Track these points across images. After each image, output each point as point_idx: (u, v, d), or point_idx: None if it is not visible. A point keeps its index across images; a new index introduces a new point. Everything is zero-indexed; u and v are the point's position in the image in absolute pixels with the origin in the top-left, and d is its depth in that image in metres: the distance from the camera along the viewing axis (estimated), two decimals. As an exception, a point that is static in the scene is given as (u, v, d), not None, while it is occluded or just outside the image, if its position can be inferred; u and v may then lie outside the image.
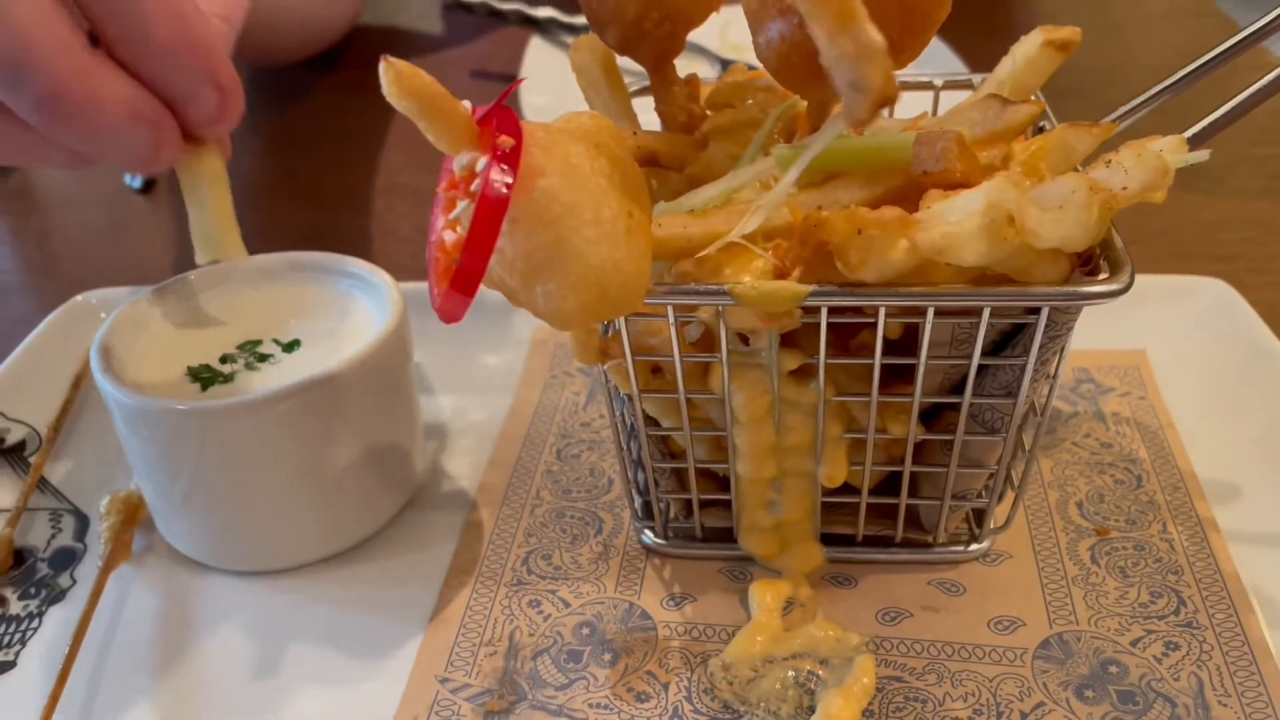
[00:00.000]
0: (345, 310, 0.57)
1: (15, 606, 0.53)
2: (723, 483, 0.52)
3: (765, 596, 0.50)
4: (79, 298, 0.72)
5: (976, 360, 0.43)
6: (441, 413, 0.64)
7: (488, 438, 0.63)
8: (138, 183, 0.98)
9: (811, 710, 0.45)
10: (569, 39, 1.12)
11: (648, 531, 0.54)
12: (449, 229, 0.38)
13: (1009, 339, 0.45)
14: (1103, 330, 0.65)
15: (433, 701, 0.46)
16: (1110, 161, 0.41)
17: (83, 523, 0.58)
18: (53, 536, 0.57)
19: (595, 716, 0.45)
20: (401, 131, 1.07)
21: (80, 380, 0.66)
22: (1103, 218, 0.38)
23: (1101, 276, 0.41)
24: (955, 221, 0.38)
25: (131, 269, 0.87)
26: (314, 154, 1.04)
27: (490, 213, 0.35)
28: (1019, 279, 0.41)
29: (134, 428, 0.50)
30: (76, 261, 0.90)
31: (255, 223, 0.93)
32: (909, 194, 0.42)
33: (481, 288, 0.37)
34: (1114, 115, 0.50)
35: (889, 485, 0.51)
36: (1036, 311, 0.42)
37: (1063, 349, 0.45)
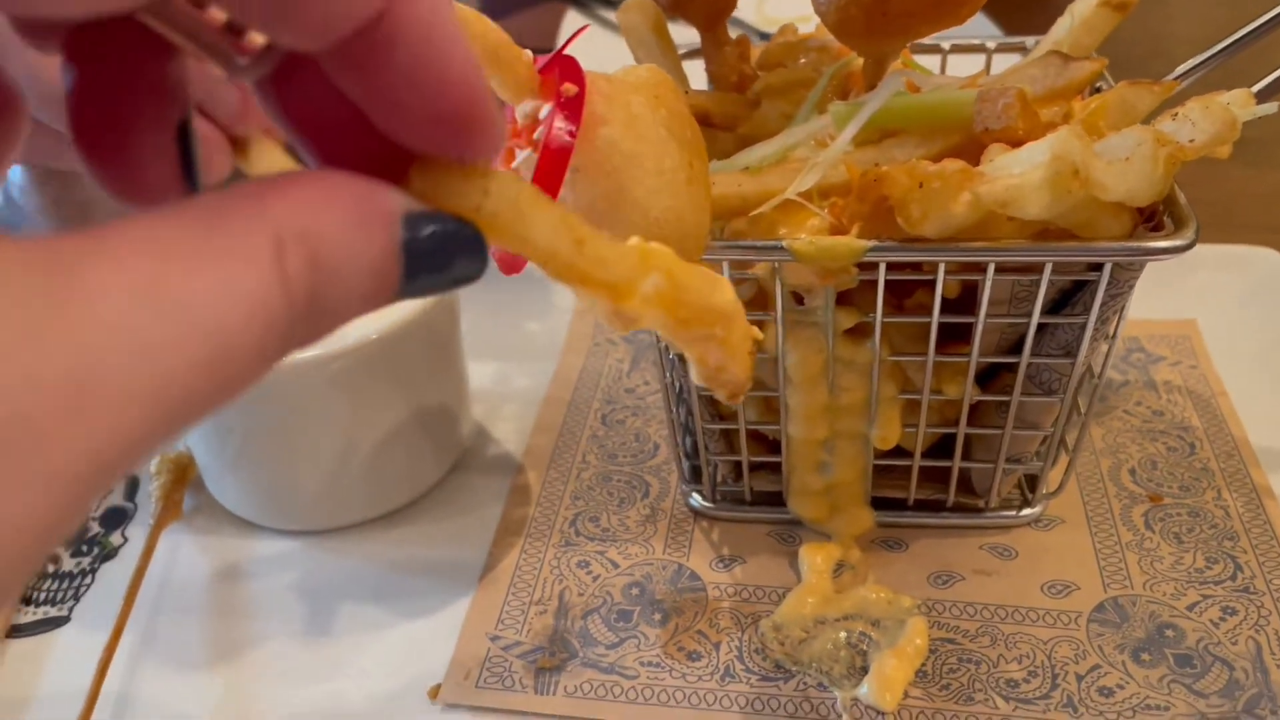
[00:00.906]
0: (393, 273, 0.57)
1: (68, 564, 0.53)
2: (772, 445, 0.52)
3: (816, 559, 0.49)
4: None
5: (1036, 319, 0.43)
6: (486, 378, 0.64)
7: (532, 403, 0.63)
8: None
9: (864, 671, 0.45)
10: (605, 13, 1.12)
11: (695, 495, 0.54)
12: (509, 180, 0.38)
13: (1069, 298, 0.44)
14: (1153, 301, 0.64)
15: (484, 658, 0.46)
16: (1177, 115, 0.40)
17: (132, 482, 0.58)
18: (103, 496, 0.57)
19: (647, 674, 0.45)
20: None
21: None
22: (1169, 171, 0.38)
23: (1164, 233, 0.40)
24: (1019, 173, 0.38)
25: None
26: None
27: (554, 161, 0.35)
28: (1081, 235, 0.40)
29: (187, 386, 0.50)
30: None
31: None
32: (967, 152, 0.42)
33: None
34: (1174, 74, 0.49)
35: (941, 448, 0.50)
36: (1099, 268, 0.41)
37: (1122, 309, 0.44)
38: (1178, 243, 0.39)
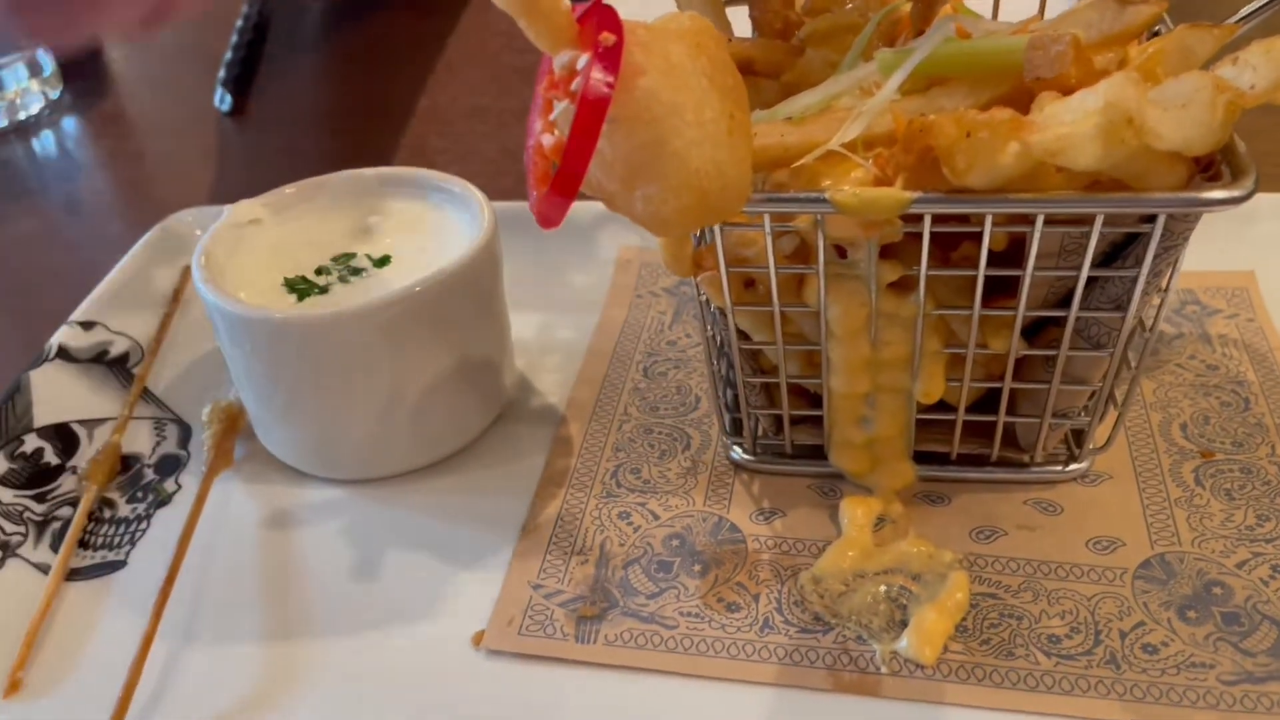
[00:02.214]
0: (436, 225, 0.57)
1: (124, 509, 0.55)
2: (813, 399, 0.52)
3: (856, 512, 0.49)
4: (175, 216, 0.73)
5: (1086, 272, 0.42)
6: (528, 331, 0.65)
7: (574, 355, 0.63)
8: (226, 106, 0.99)
9: (903, 624, 0.45)
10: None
11: (736, 448, 0.54)
12: (546, 132, 0.38)
13: (1120, 250, 0.43)
14: (1209, 252, 0.62)
15: (526, 606, 0.47)
16: (1237, 59, 0.39)
17: (185, 431, 0.59)
18: (157, 444, 0.59)
19: (686, 625, 0.46)
20: (485, 53, 1.06)
21: (179, 294, 0.68)
22: (1228, 118, 0.36)
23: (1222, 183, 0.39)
24: (1071, 122, 0.37)
25: (220, 191, 0.88)
26: (397, 76, 1.04)
27: (592, 112, 0.34)
28: (1134, 185, 0.39)
29: (235, 337, 0.51)
30: (167, 184, 0.92)
31: (339, 145, 0.94)
32: (1017, 101, 0.41)
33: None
34: (1236, 17, 0.47)
35: (985, 403, 0.50)
36: (1151, 220, 0.40)
37: (1176, 261, 0.43)
38: (1235, 193, 0.38)
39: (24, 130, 1.00)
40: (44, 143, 0.99)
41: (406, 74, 1.04)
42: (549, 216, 0.37)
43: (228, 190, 0.90)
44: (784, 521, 0.50)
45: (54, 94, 1.04)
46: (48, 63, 1.04)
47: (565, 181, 0.36)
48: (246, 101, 1.02)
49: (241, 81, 1.03)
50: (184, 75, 1.11)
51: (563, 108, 0.36)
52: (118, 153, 0.97)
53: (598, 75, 0.34)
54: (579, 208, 0.72)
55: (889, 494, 0.50)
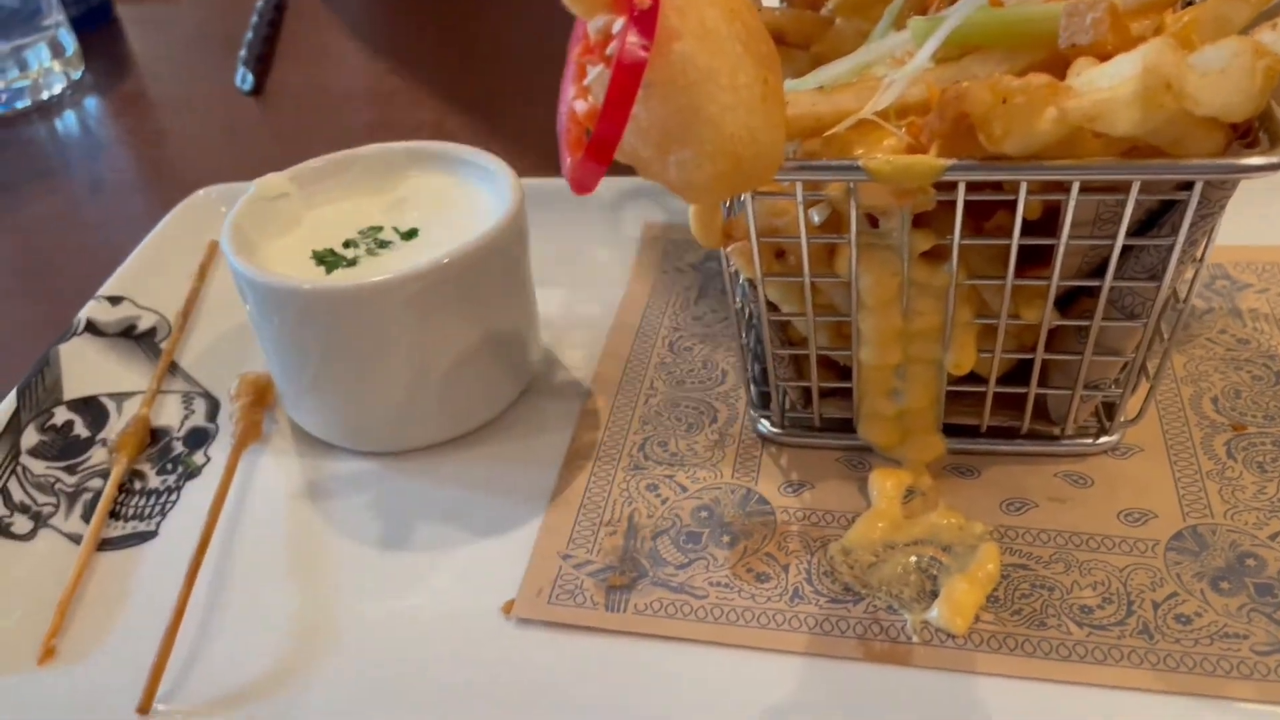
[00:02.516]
0: (463, 199, 0.57)
1: (154, 481, 0.55)
2: (842, 371, 0.52)
3: (886, 484, 0.49)
4: (200, 192, 0.74)
5: (1121, 240, 0.42)
6: (553, 306, 0.65)
7: (600, 330, 0.63)
8: (248, 85, 1.00)
9: (934, 595, 0.45)
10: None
11: (764, 421, 0.54)
12: (580, 98, 0.38)
13: (1155, 219, 0.43)
14: (1240, 226, 0.61)
15: (556, 576, 0.47)
16: (1276, 25, 0.38)
17: (213, 404, 0.60)
18: (185, 417, 0.59)
19: (716, 594, 0.46)
20: (505, 34, 1.06)
21: (205, 270, 0.68)
22: (1266, 84, 0.36)
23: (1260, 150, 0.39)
24: (1108, 87, 0.36)
25: (243, 169, 0.88)
26: (417, 57, 1.04)
27: (627, 77, 0.34)
28: (1171, 152, 0.39)
29: (264, 309, 0.51)
30: (190, 162, 0.92)
31: (360, 125, 0.94)
32: (1052, 69, 0.40)
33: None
34: (1274, -15, 0.47)
35: (1016, 374, 0.49)
36: (1189, 187, 0.40)
37: (1211, 231, 0.43)
38: (1274, 160, 0.38)
39: (46, 110, 1.00)
40: (66, 122, 0.99)
41: (426, 54, 1.04)
42: (583, 183, 0.37)
43: (250, 168, 0.89)
44: (812, 494, 0.50)
45: (75, 74, 1.05)
46: (70, 43, 1.04)
47: (600, 147, 0.35)
48: (267, 81, 1.02)
49: (262, 61, 1.04)
50: (204, 55, 1.11)
51: (597, 72, 0.36)
52: (139, 132, 0.97)
53: (633, 39, 0.34)
54: (602, 185, 0.73)
55: (918, 467, 0.50)
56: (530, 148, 0.86)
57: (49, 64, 1.02)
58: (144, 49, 1.13)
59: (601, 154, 0.36)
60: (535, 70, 0.99)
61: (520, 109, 0.92)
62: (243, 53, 1.03)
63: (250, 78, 1.00)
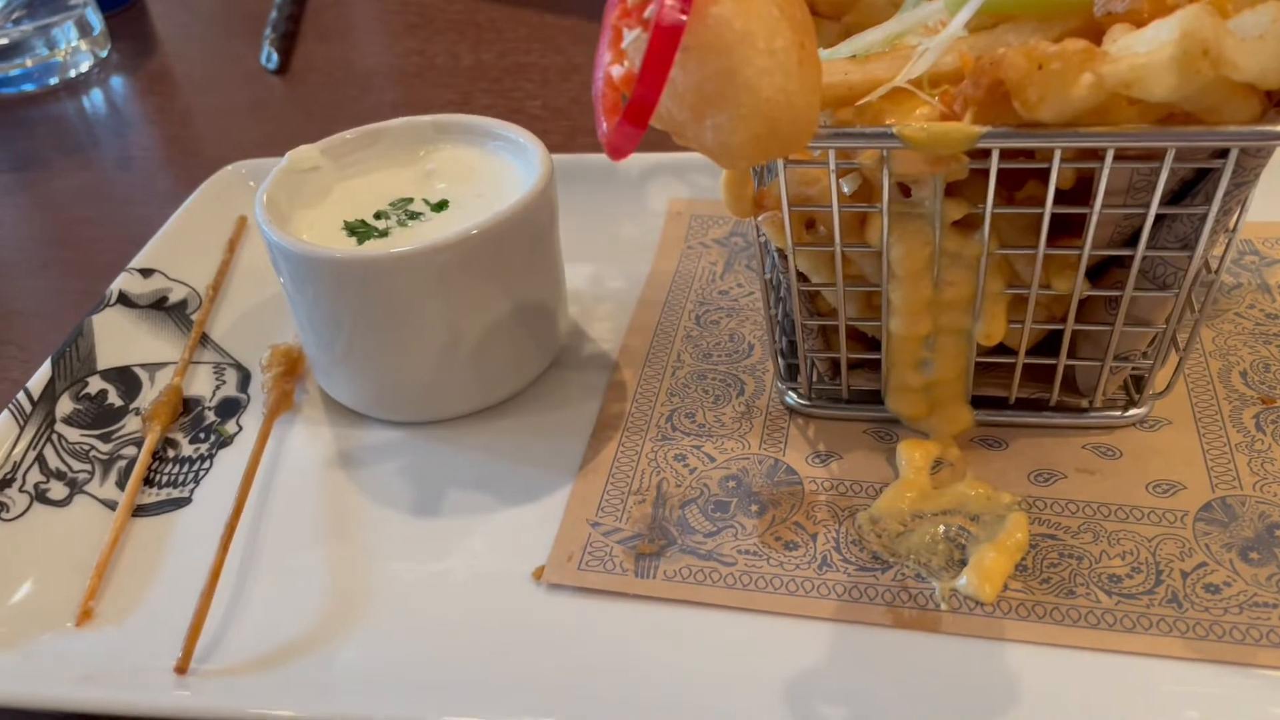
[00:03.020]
0: (493, 172, 0.57)
1: (187, 449, 0.56)
2: (870, 343, 0.52)
3: (914, 455, 0.49)
4: (229, 167, 0.74)
5: (1154, 209, 0.42)
6: (580, 281, 0.65)
7: (626, 304, 0.63)
8: (273, 64, 1.00)
9: (962, 564, 0.45)
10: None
11: (791, 393, 0.54)
12: (616, 62, 0.38)
13: (1189, 188, 0.43)
14: (1270, 202, 0.61)
15: (585, 543, 0.48)
16: (1316, -8, 0.38)
17: (244, 375, 0.60)
18: (217, 387, 0.60)
19: (745, 562, 0.46)
20: (530, 10, 1.06)
21: (235, 244, 0.69)
22: (1306, 50, 0.36)
23: (1297, 117, 0.39)
24: (1146, 52, 0.36)
25: (269, 146, 0.88)
26: (442, 35, 1.04)
27: (665, 39, 0.34)
28: (1207, 119, 0.39)
29: (298, 278, 0.52)
30: (216, 139, 0.93)
31: (385, 103, 0.95)
32: (1086, 39, 0.40)
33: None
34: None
35: (1045, 346, 0.50)
36: (1223, 155, 0.40)
37: (1245, 201, 0.43)
38: (1311, 127, 0.38)
39: (74, 87, 1.01)
40: (94, 100, 1.00)
41: (452, 31, 1.04)
42: (620, 147, 0.37)
43: (276, 146, 0.90)
44: (840, 464, 0.51)
45: (102, 53, 1.06)
46: (97, 22, 1.05)
47: (638, 111, 0.36)
48: (292, 59, 1.02)
49: (287, 39, 1.04)
50: (229, 34, 1.12)
51: (634, 36, 0.36)
52: (166, 109, 0.98)
53: (671, 2, 0.34)
54: (628, 161, 0.73)
55: (946, 438, 0.50)
56: (555, 127, 0.86)
57: (76, 43, 1.03)
58: (169, 28, 1.14)
59: (638, 118, 0.36)
60: (562, 48, 0.99)
61: (544, 89, 0.92)
62: (268, 31, 1.04)
63: (275, 56, 1.00)
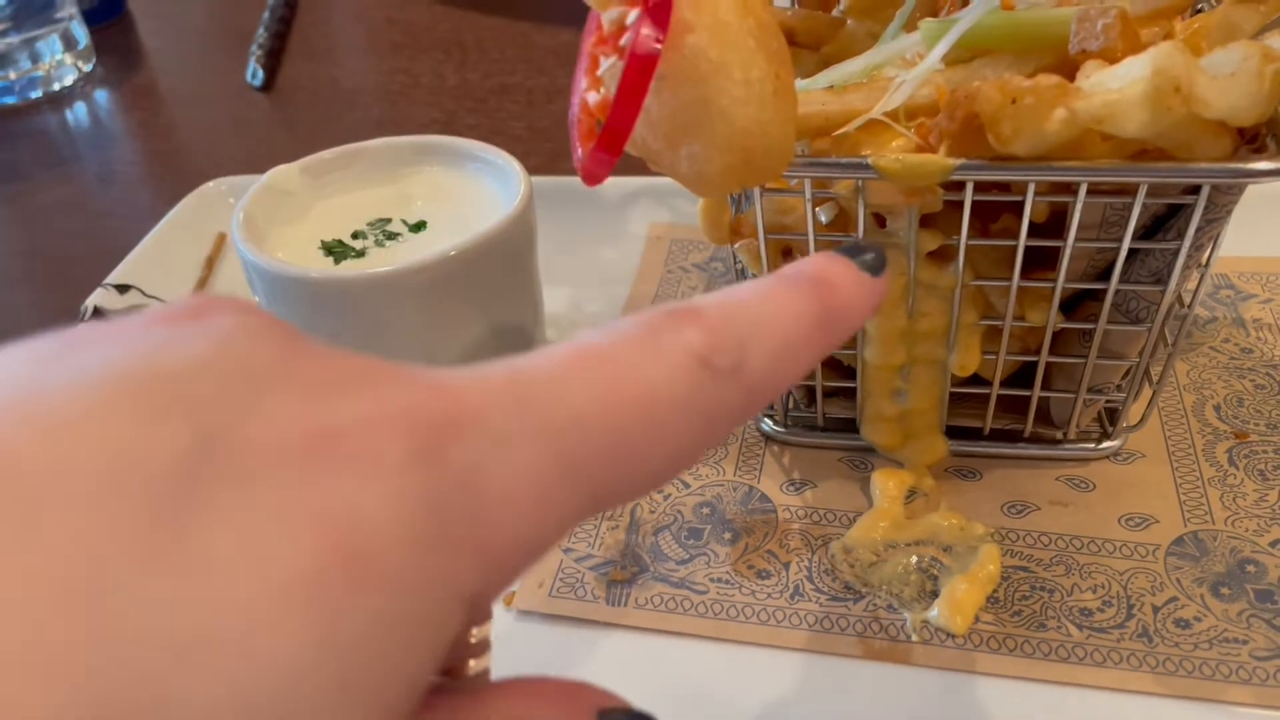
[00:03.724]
0: (472, 194, 0.57)
1: (158, 468, 0.55)
2: (846, 371, 0.52)
3: (888, 484, 0.49)
4: (209, 184, 0.74)
5: (1127, 244, 0.42)
6: (558, 304, 0.65)
7: (605, 328, 0.63)
8: (259, 81, 1.00)
9: (934, 595, 0.45)
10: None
11: (767, 420, 0.54)
12: (592, 89, 0.38)
13: (1161, 223, 0.43)
14: (1245, 237, 0.62)
15: (557, 569, 0.47)
16: (1287, 32, 0.39)
17: (218, 394, 0.60)
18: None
19: (717, 590, 0.46)
20: (515, 32, 1.07)
21: (213, 261, 0.69)
22: (1275, 88, 0.36)
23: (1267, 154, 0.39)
24: (1118, 89, 0.37)
25: (252, 163, 0.88)
26: (427, 55, 1.05)
27: (640, 69, 0.34)
28: (1179, 156, 0.39)
29: (273, 297, 0.52)
30: (199, 155, 0.93)
31: (370, 121, 0.95)
32: (1061, 75, 0.41)
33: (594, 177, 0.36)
34: (1283, -5, 0.47)
35: (1020, 378, 0.50)
36: (1195, 191, 0.40)
37: (1217, 237, 0.43)
38: (1281, 165, 0.38)
39: (57, 101, 1.01)
40: (77, 114, 1.00)
41: (437, 51, 1.05)
42: (594, 173, 0.37)
43: (259, 163, 0.89)
44: (814, 493, 0.50)
45: (87, 67, 1.05)
46: (82, 36, 1.05)
47: (611, 138, 0.36)
48: (278, 77, 1.02)
49: (273, 56, 1.04)
50: (215, 50, 1.12)
51: (610, 64, 0.36)
52: (150, 125, 0.98)
53: (646, 31, 0.35)
54: (608, 184, 0.73)
55: (920, 468, 0.50)
56: (538, 149, 0.86)
57: (61, 56, 1.03)
58: (155, 43, 1.14)
59: (613, 145, 0.36)
60: (547, 70, 0.99)
61: (528, 110, 0.92)
62: (254, 48, 1.04)
63: (261, 73, 1.00)
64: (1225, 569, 0.45)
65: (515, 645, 0.45)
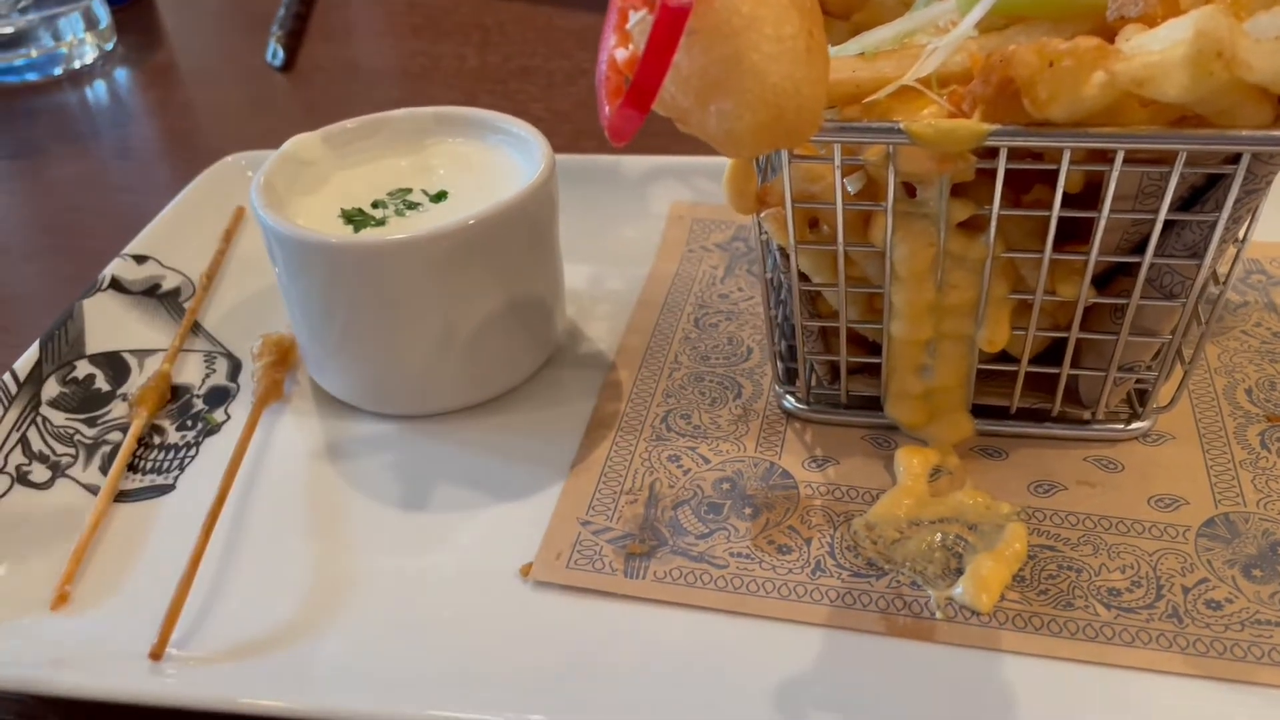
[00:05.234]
0: (494, 165, 0.57)
1: (174, 436, 0.55)
2: (870, 347, 0.51)
3: (912, 462, 0.49)
4: (229, 158, 0.74)
5: (1164, 215, 0.41)
6: (579, 281, 0.64)
7: (625, 305, 0.62)
8: (279, 61, 1.00)
9: (959, 573, 0.44)
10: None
11: (789, 397, 0.53)
12: (621, 45, 0.37)
13: (1198, 195, 0.42)
14: (1277, 223, 0.61)
15: (575, 541, 0.47)
16: (1332, -3, 0.38)
17: (235, 365, 0.59)
18: (207, 375, 0.59)
19: (736, 565, 0.45)
20: (535, 14, 1.06)
21: (231, 234, 0.68)
22: (1322, 55, 0.35)
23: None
24: (1159, 51, 0.36)
25: (271, 142, 0.88)
26: (449, 38, 1.04)
27: (671, 23, 0.34)
28: (1219, 123, 0.38)
29: (292, 264, 0.51)
30: (218, 134, 0.92)
31: (390, 102, 0.94)
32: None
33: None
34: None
35: (1048, 356, 0.49)
36: (1235, 160, 0.39)
37: (1255, 209, 0.42)
38: (1325, 134, 0.37)
39: (77, 78, 1.01)
40: (97, 91, 1.00)
41: (458, 34, 1.04)
42: (621, 130, 0.36)
43: (278, 142, 0.89)
44: (837, 470, 0.50)
45: (108, 46, 1.05)
46: (103, 15, 1.05)
47: (640, 94, 0.35)
48: (298, 57, 1.02)
49: (294, 37, 1.04)
50: (236, 31, 1.11)
51: (640, 17, 0.36)
52: (169, 103, 0.98)
53: (678, -16, 0.34)
54: (630, 163, 0.72)
55: (945, 446, 0.50)
56: (558, 129, 0.86)
57: (82, 35, 1.02)
58: (176, 23, 1.14)
59: (641, 101, 0.35)
60: (568, 53, 0.99)
61: (548, 92, 0.92)
62: (274, 28, 1.04)
63: (281, 53, 1.00)
64: (1257, 551, 0.44)
65: (532, 616, 0.44)
